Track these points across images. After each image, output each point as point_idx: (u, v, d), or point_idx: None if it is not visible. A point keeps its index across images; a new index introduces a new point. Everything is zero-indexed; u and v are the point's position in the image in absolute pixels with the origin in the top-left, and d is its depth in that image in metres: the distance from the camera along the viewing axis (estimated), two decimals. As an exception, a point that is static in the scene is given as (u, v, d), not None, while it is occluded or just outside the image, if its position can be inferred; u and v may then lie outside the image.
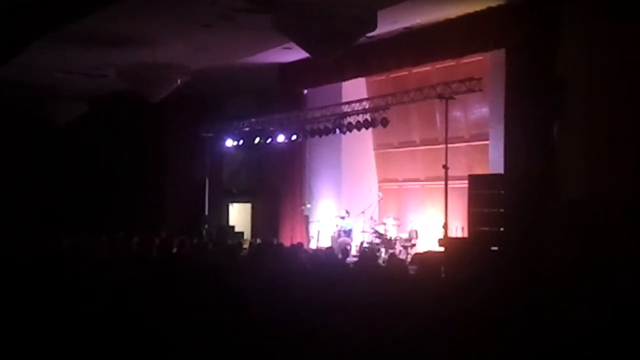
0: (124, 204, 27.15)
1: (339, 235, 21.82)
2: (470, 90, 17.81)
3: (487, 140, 19.37)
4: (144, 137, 27.76)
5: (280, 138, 23.17)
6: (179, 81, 21.00)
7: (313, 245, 22.52)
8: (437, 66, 20.55)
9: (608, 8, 15.45)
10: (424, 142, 22.59)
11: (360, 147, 23.69)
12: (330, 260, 12.63)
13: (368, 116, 20.40)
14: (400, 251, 20.42)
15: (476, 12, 17.50)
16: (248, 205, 28.22)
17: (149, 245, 15.33)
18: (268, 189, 26.23)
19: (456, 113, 20.59)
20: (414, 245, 20.75)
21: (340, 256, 14.06)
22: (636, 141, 14.85)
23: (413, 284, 9.50)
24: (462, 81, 17.93)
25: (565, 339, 6.86)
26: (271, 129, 23.51)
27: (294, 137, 22.84)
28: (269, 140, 23.55)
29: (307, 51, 17.19)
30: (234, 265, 11.86)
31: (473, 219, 17.35)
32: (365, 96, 22.27)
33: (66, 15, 17.38)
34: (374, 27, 16.32)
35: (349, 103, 21.34)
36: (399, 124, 22.44)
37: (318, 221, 23.33)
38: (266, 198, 26.49)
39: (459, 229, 18.76)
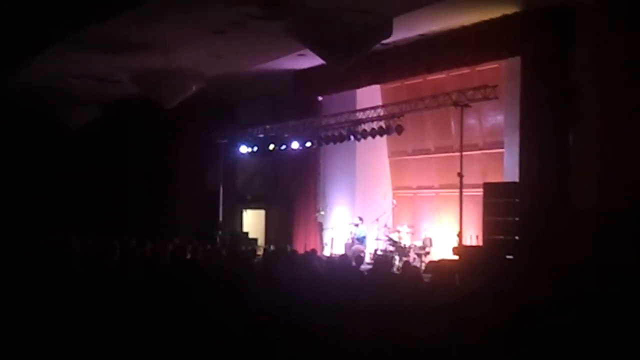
0: (137, 209, 27.24)
1: (353, 243, 21.77)
2: (486, 98, 17.75)
3: (502, 148, 19.30)
4: (158, 142, 27.82)
5: (295, 145, 23.16)
6: (193, 87, 21.02)
7: (327, 252, 22.47)
8: (452, 74, 20.50)
9: (622, 16, 15.41)
10: (439, 150, 22.53)
11: (374, 154, 23.67)
12: (344, 268, 12.62)
13: (383, 123, 20.36)
14: (414, 259, 20.36)
15: (491, 19, 17.46)
16: (262, 212, 28.20)
17: (162, 251, 15.33)
18: (282, 196, 26.21)
19: (471, 121, 20.54)
20: (428, 253, 20.69)
21: (354, 263, 14.01)
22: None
23: (427, 292, 9.48)
24: (477, 89, 17.88)
25: (579, 347, 6.82)
26: (285, 135, 23.51)
27: (308, 144, 22.83)
28: (283, 147, 23.55)
29: (321, 58, 17.18)
30: (248, 272, 11.84)
31: (488, 228, 17.32)
32: (380, 103, 22.23)
33: (81, 22, 17.44)
34: (389, 34, 16.30)
35: (363, 110, 21.31)
36: (414, 131, 22.41)
37: (332, 228, 23.28)
38: (280, 205, 26.48)
39: (473, 238, 18.71)
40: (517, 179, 17.17)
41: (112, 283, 10.12)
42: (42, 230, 20.23)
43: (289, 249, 20.26)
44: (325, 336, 7.00)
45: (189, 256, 15.29)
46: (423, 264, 19.87)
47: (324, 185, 24.54)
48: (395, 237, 21.21)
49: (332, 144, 22.07)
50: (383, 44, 18.22)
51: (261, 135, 24.51)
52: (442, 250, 20.33)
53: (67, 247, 16.65)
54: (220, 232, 25.39)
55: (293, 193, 24.93)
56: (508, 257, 16.46)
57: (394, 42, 18.49)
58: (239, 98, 26.64)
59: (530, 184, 16.66)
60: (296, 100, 24.08)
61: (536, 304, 8.41)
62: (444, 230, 21.26)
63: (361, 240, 21.81)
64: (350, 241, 21.96)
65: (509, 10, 16.92)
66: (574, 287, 11.68)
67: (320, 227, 23.76)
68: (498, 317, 7.42)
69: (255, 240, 25.80)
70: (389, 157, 24.22)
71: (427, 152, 23.09)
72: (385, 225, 21.89)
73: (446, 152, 21.89)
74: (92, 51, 20.13)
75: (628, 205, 14.84)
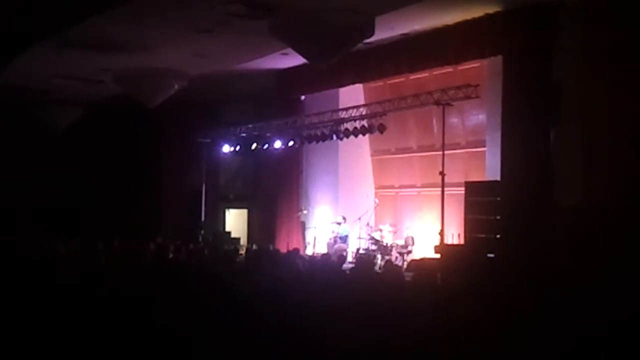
0: (120, 209, 27.17)
1: (335, 242, 21.78)
2: (467, 97, 17.80)
3: (484, 147, 19.35)
4: (141, 142, 27.74)
5: (277, 144, 23.17)
6: (175, 87, 20.99)
7: (309, 251, 22.49)
8: (435, 73, 20.56)
9: (604, 15, 15.47)
10: (421, 149, 22.58)
11: (357, 153, 23.69)
12: (327, 267, 12.64)
13: (365, 122, 20.39)
14: (396, 257, 20.39)
15: (473, 19, 17.49)
16: (244, 211, 28.17)
17: (144, 251, 15.31)
18: (264, 195, 26.19)
19: (453, 120, 20.57)
20: (410, 251, 20.72)
21: (336, 262, 14.03)
22: (633, 148, 14.85)
23: (409, 291, 9.50)
24: (459, 88, 17.93)
25: (561, 344, 6.85)
26: (268, 134, 23.51)
27: (290, 143, 22.84)
28: (265, 146, 23.55)
29: (304, 57, 17.20)
30: (230, 271, 11.85)
31: (469, 226, 17.37)
32: (363, 102, 22.28)
33: (63, 21, 17.37)
34: (372, 34, 16.33)
35: (346, 109, 21.33)
36: (396, 130, 22.46)
37: (314, 227, 23.29)
38: (263, 204, 26.46)
39: (455, 236, 18.75)
40: (498, 178, 17.21)
41: (96, 284, 10.10)
42: (25, 232, 20.15)
43: (271, 248, 20.25)
44: (308, 335, 7.01)
45: (171, 256, 15.29)
46: (405, 263, 19.92)
47: (307, 184, 24.55)
48: (377, 235, 21.24)
49: (314, 143, 22.09)
50: (365, 43, 18.23)
51: (244, 135, 24.50)
52: (424, 248, 20.34)
53: (51, 250, 16.59)
54: (202, 232, 25.38)
55: (276, 192, 24.92)
56: (489, 255, 16.51)
57: (377, 41, 18.48)
58: (221, 97, 26.60)
59: (512, 183, 16.71)
60: (279, 99, 24.06)
61: (518, 302, 8.45)
62: (426, 229, 21.28)
63: (343, 239, 21.83)
64: (332, 240, 21.96)
65: (491, 9, 16.95)
66: (556, 286, 11.76)
67: (302, 226, 23.77)
68: (480, 315, 7.45)
69: (237, 239, 25.83)
70: (371, 156, 24.25)
71: (410, 151, 23.12)
72: (368, 224, 21.90)
73: (428, 151, 21.92)
74: (74, 51, 20.02)
75: (612, 204, 14.89)
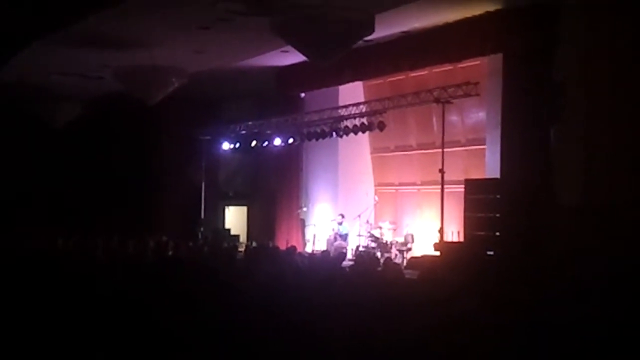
0: (120, 206, 27.12)
1: (335, 239, 21.79)
2: (467, 95, 17.82)
3: (484, 144, 19.36)
4: (140, 139, 27.72)
5: (277, 141, 23.19)
6: (175, 84, 20.96)
7: (309, 248, 22.50)
8: (435, 70, 20.56)
9: (605, 13, 15.45)
10: (421, 146, 22.58)
11: (357, 150, 23.69)
12: (326, 264, 12.63)
13: (365, 120, 20.40)
14: (396, 255, 20.40)
15: (474, 16, 17.47)
16: (244, 209, 28.18)
17: (144, 248, 15.31)
18: (264, 193, 26.20)
19: (453, 117, 20.58)
20: (409, 249, 20.74)
21: (335, 260, 14.02)
22: (634, 147, 14.84)
23: (409, 288, 9.49)
24: (459, 85, 17.94)
25: (560, 342, 6.85)
26: (268, 132, 23.52)
27: (290, 141, 22.85)
28: (265, 144, 23.57)
29: (304, 54, 17.16)
30: (230, 269, 11.86)
31: (469, 224, 17.39)
32: (363, 100, 22.28)
33: (64, 17, 17.36)
34: (372, 31, 16.29)
35: (346, 107, 21.34)
36: (396, 127, 22.47)
37: (314, 225, 23.31)
38: (262, 201, 26.46)
39: (454, 234, 18.78)
40: (498, 176, 17.22)
41: (95, 281, 10.10)
42: (26, 228, 20.14)
43: (271, 245, 20.25)
44: (307, 332, 7.01)
45: (170, 253, 15.29)
46: (405, 260, 19.93)
47: (306, 181, 24.56)
48: (377, 233, 21.26)
49: (314, 140, 22.10)
50: (365, 41, 18.20)
51: (244, 132, 24.53)
52: (424, 246, 20.38)
53: (50, 246, 16.60)
54: (202, 229, 25.38)
55: (275, 190, 24.95)
56: (489, 253, 16.52)
57: (377, 38, 18.48)
58: (221, 94, 26.62)
59: (511, 181, 16.71)
60: (279, 96, 24.08)
61: (517, 300, 8.45)
62: (426, 227, 21.30)
63: (343, 236, 21.84)
64: (332, 238, 21.97)
65: (492, 7, 16.94)
66: (555, 284, 11.75)
67: (302, 224, 23.79)
68: (479, 313, 7.45)
69: (237, 237, 25.83)
70: (371, 153, 24.25)
71: (409, 148, 23.12)
72: (367, 222, 21.92)
73: (428, 149, 21.91)
74: (76, 48, 20.02)
75: (611, 202, 14.89)
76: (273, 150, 23.91)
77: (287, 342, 6.96)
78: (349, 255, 19.85)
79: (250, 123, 24.28)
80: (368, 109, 20.69)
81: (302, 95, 24.00)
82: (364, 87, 23.46)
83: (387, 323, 7.20)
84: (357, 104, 21.15)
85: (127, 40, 19.25)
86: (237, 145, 24.82)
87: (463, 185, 18.00)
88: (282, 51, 20.21)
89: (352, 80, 22.05)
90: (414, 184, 23.01)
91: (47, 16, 17.29)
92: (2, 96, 25.68)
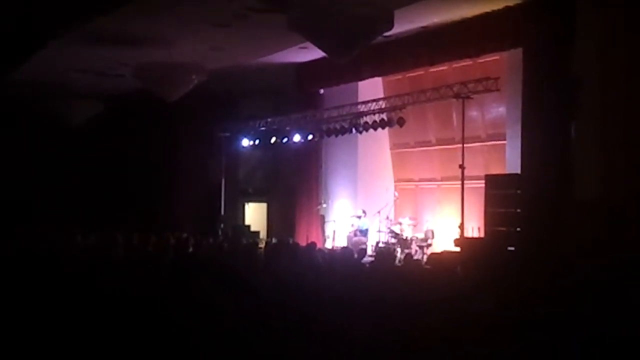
0: (140, 203, 27.25)
1: (355, 235, 21.80)
2: (487, 90, 17.75)
3: (504, 140, 19.30)
4: (160, 136, 27.80)
5: (297, 138, 23.17)
6: (195, 81, 21.00)
7: (329, 244, 22.50)
8: (454, 65, 20.49)
9: (623, 6, 15.37)
10: (441, 142, 22.54)
11: (376, 146, 23.67)
12: (346, 260, 12.62)
13: (384, 116, 20.37)
14: (416, 251, 20.39)
15: (493, 11, 17.43)
16: (264, 205, 28.23)
17: (165, 245, 15.35)
18: (284, 189, 26.23)
19: (473, 113, 20.54)
20: (430, 245, 20.73)
21: (356, 256, 14.02)
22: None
23: (429, 284, 9.48)
24: (478, 80, 17.88)
25: (580, 339, 6.82)
26: (287, 128, 23.51)
27: (310, 137, 22.83)
28: (285, 140, 23.55)
29: (323, 51, 17.16)
30: (250, 265, 11.86)
31: (489, 219, 17.34)
32: (382, 96, 22.24)
33: (83, 16, 17.41)
34: (391, 27, 16.26)
35: (365, 102, 21.31)
36: (416, 123, 22.44)
37: (334, 221, 23.33)
38: (282, 197, 26.50)
39: (475, 229, 18.73)
40: (519, 171, 17.15)
41: (115, 278, 10.13)
42: (44, 226, 20.23)
43: (291, 241, 20.26)
44: (327, 329, 7.01)
45: (191, 250, 15.32)
46: (425, 256, 19.88)
47: (326, 178, 24.56)
48: (397, 229, 21.25)
49: (333, 136, 22.08)
50: (385, 37, 18.19)
51: (263, 128, 24.53)
52: (444, 242, 20.34)
53: (70, 243, 16.66)
54: (222, 226, 25.39)
55: (295, 186, 24.94)
56: (510, 248, 16.47)
57: (396, 34, 18.43)
58: (241, 91, 26.63)
59: (532, 176, 16.63)
60: (298, 93, 24.08)
61: (537, 296, 8.42)
62: (446, 222, 21.27)
63: (363, 232, 21.84)
64: (352, 234, 21.99)
65: (511, 1, 16.89)
66: (575, 280, 11.70)
67: (322, 220, 23.78)
68: (499, 309, 7.43)
69: (257, 233, 25.83)
70: (390, 149, 24.23)
71: (429, 144, 23.09)
72: (387, 218, 21.91)
73: (448, 144, 21.89)
74: (93, 45, 20.09)
75: (630, 197, 14.82)
76: (292, 147, 23.91)
77: (307, 338, 6.96)
78: (369, 252, 19.84)
79: (269, 119, 24.29)
80: (387, 105, 20.65)
81: (322, 91, 23.98)
82: (383, 83, 23.43)
83: (407, 319, 7.19)
84: (376, 100, 21.11)
85: (145, 37, 19.30)
86: (257, 141, 24.83)
87: (483, 181, 17.96)
88: (301, 47, 20.22)
89: (371, 76, 22.04)
90: (434, 179, 22.98)
91: (66, 14, 17.33)
92: (21, 95, 25.81)
